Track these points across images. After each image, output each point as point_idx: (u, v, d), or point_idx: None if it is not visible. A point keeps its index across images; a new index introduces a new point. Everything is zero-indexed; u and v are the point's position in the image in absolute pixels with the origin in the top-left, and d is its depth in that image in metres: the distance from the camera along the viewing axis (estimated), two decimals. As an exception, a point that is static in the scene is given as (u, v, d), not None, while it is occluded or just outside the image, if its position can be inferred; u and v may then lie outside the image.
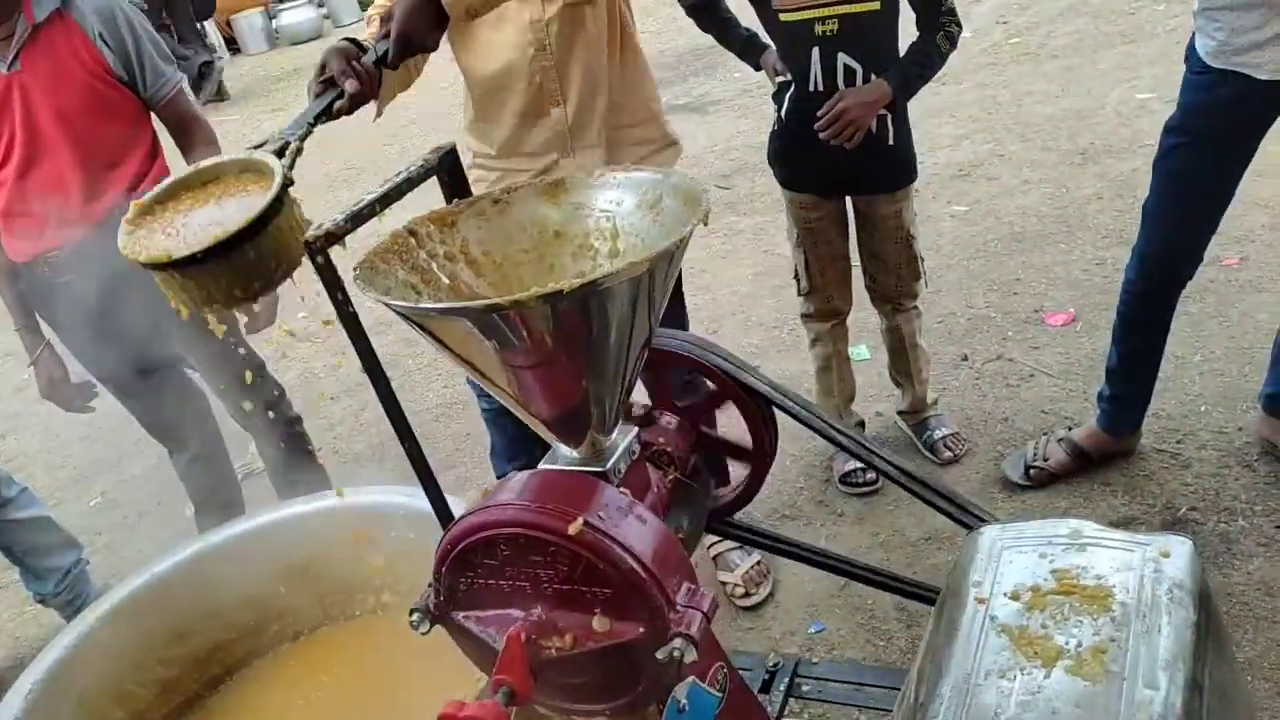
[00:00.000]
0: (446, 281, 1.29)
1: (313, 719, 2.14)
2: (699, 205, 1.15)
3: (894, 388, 3.02)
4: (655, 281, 1.13)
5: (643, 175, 1.28)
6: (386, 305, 1.10)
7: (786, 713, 2.08)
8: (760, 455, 1.53)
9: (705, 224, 1.11)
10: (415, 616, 1.25)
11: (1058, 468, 2.67)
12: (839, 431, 1.48)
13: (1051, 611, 1.20)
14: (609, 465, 1.24)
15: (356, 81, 1.51)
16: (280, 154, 1.36)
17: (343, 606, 2.44)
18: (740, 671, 1.72)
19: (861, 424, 3.03)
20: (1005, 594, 1.25)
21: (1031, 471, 2.67)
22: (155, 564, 2.22)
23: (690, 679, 1.19)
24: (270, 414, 2.67)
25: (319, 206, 1.31)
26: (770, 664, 1.71)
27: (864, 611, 2.42)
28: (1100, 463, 2.68)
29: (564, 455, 1.28)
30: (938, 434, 2.88)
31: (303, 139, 1.41)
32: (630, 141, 2.20)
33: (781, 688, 1.67)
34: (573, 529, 1.11)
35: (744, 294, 4.15)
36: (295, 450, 2.79)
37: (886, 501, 2.76)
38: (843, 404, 2.97)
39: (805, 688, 1.70)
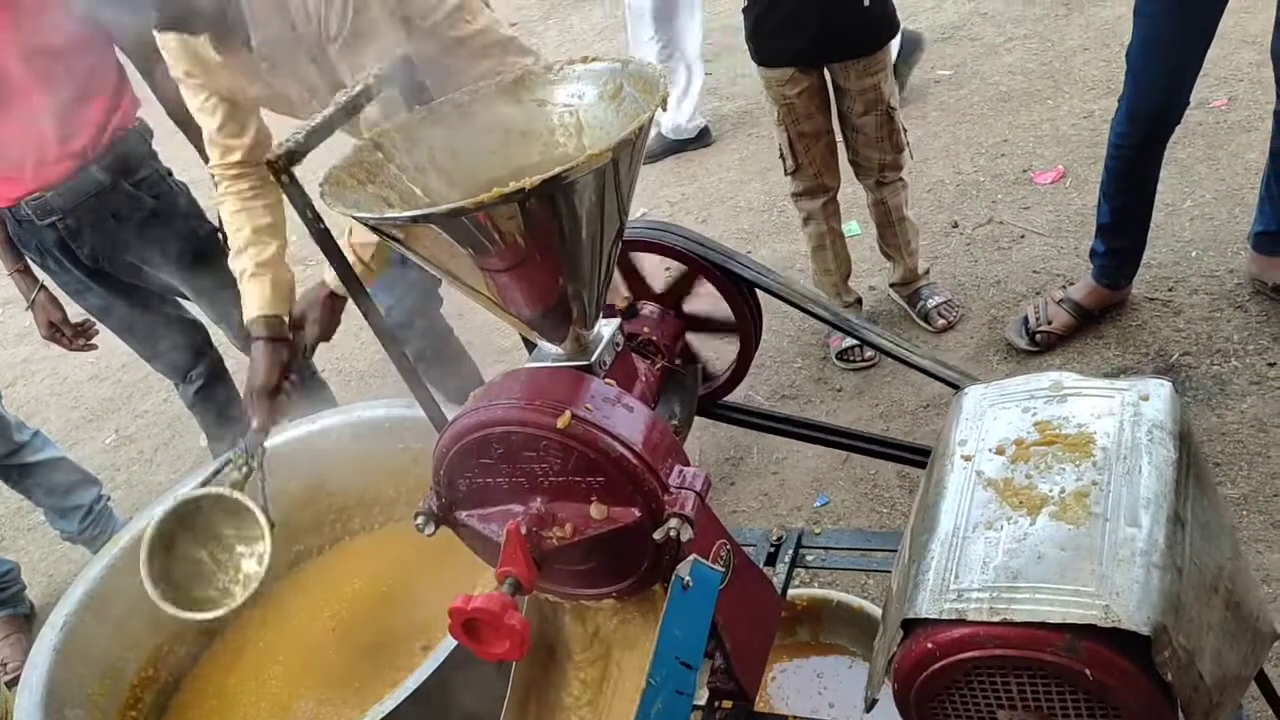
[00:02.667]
0: (419, 193, 1.29)
1: (338, 630, 2.22)
2: (657, 90, 1.14)
3: (886, 261, 3.02)
4: (620, 170, 1.12)
5: (601, 66, 1.26)
6: (355, 218, 1.10)
7: (798, 582, 2.16)
8: (746, 336, 1.54)
9: (664, 108, 1.11)
10: (420, 520, 1.29)
11: (1062, 329, 2.68)
12: (822, 307, 1.50)
13: (1035, 462, 1.23)
14: (594, 358, 1.26)
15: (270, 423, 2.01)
16: (242, 482, 1.94)
17: (361, 520, 2.51)
18: (746, 547, 1.78)
19: (859, 300, 3.04)
20: (990, 449, 1.28)
21: (1038, 336, 2.69)
22: (169, 495, 2.27)
23: (692, 557, 1.23)
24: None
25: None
26: (774, 538, 1.76)
27: (866, 482, 2.47)
28: (1100, 317, 2.69)
29: (549, 352, 1.29)
30: (931, 303, 2.90)
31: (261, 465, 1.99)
32: None
33: (786, 559, 1.72)
34: (561, 422, 1.14)
35: (732, 180, 4.11)
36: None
37: (883, 374, 2.79)
38: (840, 281, 2.97)
39: (810, 558, 1.75)
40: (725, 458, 2.72)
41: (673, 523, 1.14)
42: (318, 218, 1.16)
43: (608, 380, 1.25)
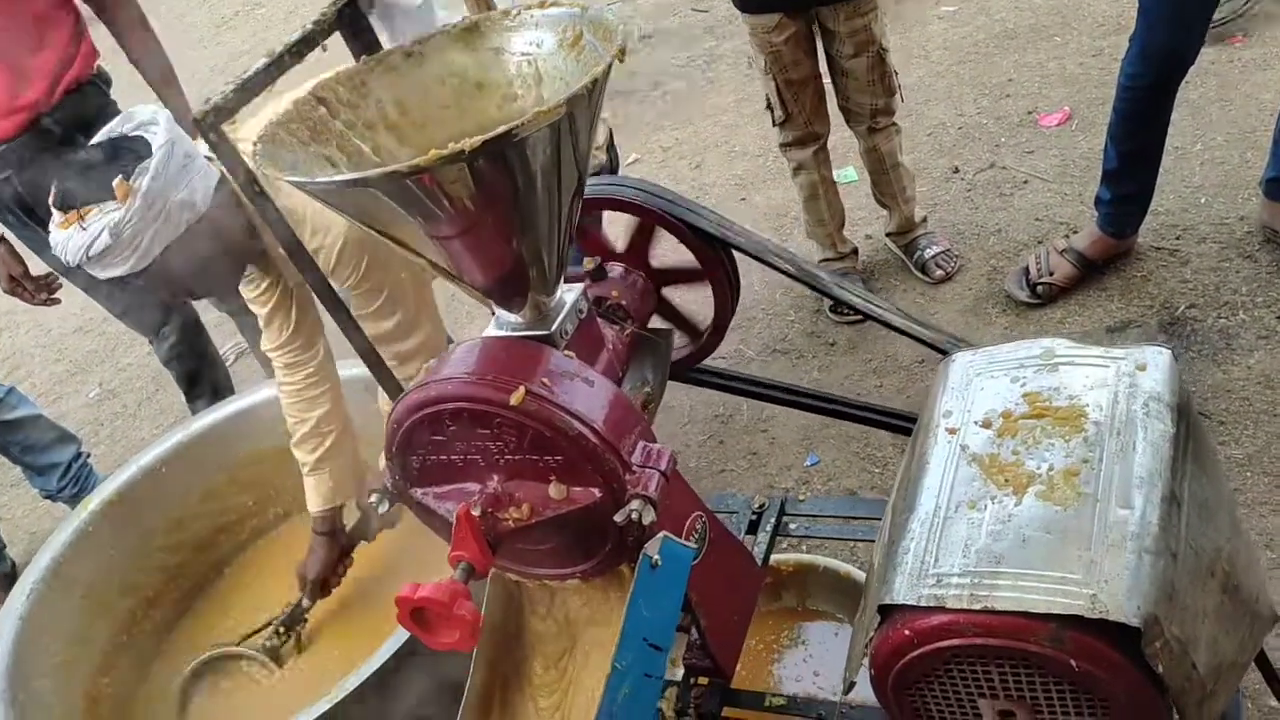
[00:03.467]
0: (368, 151, 1.20)
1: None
2: (616, 39, 1.05)
3: (883, 210, 2.92)
4: (577, 125, 1.04)
5: (559, 12, 1.17)
6: (288, 183, 1.02)
7: (785, 545, 2.10)
8: (718, 283, 1.46)
9: (622, 60, 1.02)
10: (374, 497, 1.23)
11: (1064, 280, 2.58)
12: (789, 263, 1.42)
13: (1023, 437, 1.16)
14: (554, 328, 1.19)
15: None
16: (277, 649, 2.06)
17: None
18: (727, 515, 1.72)
19: (855, 251, 2.95)
20: (976, 422, 1.21)
21: (1039, 288, 2.59)
22: (142, 455, 2.22)
23: (662, 534, 1.16)
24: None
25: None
26: (756, 506, 1.70)
27: (858, 441, 2.40)
28: (1104, 267, 2.60)
29: (507, 320, 1.22)
30: (928, 253, 2.80)
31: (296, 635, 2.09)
32: None
33: (768, 528, 1.65)
34: (514, 399, 1.07)
35: (727, 124, 3.99)
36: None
37: (877, 329, 2.68)
38: (835, 231, 2.88)
39: (793, 526, 1.69)
40: (714, 415, 2.65)
41: (634, 504, 1.08)
42: (253, 180, 1.08)
43: (567, 352, 1.17)
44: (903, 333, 1.45)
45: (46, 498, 2.92)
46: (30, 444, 2.79)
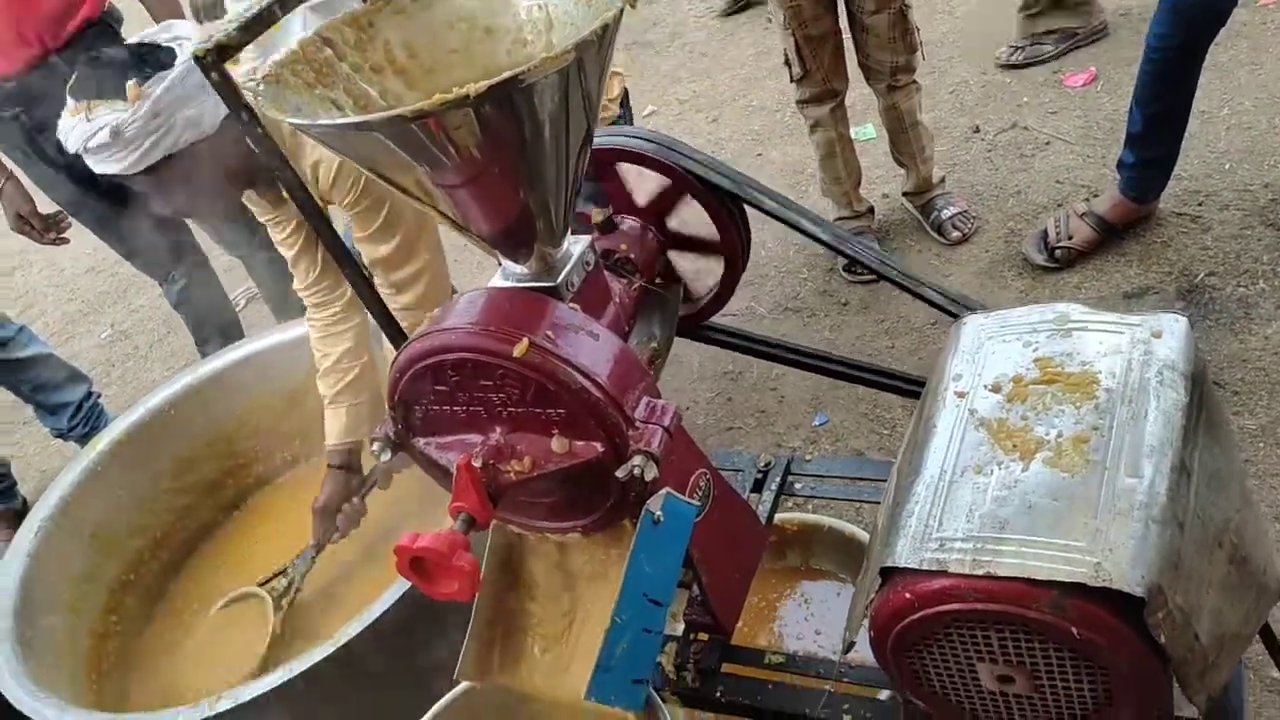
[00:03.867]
0: (375, 95, 1.18)
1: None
2: (629, -17, 1.02)
3: (900, 169, 2.88)
4: (587, 71, 1.01)
5: (571, -46, 1.14)
6: (291, 125, 1.00)
7: (790, 505, 2.10)
8: (732, 252, 1.44)
9: (633, 6, 0.99)
10: (376, 445, 1.22)
11: (1083, 244, 2.54)
12: (812, 222, 1.39)
13: (1033, 402, 1.14)
14: (560, 279, 1.17)
15: (331, 538, 2.03)
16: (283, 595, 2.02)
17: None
18: (732, 473, 1.71)
19: (871, 210, 2.91)
20: (986, 386, 1.19)
21: (1057, 252, 2.55)
22: (151, 397, 2.23)
23: (665, 490, 1.15)
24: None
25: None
26: (761, 464, 1.69)
27: (867, 401, 2.39)
28: (1123, 232, 2.56)
29: (513, 272, 1.20)
30: (945, 214, 2.76)
31: (304, 576, 2.05)
32: None
33: (773, 487, 1.64)
34: (518, 350, 1.05)
35: (745, 77, 3.93)
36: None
37: (891, 289, 2.66)
38: (851, 190, 2.84)
39: (798, 486, 1.68)
40: (723, 372, 2.63)
41: (636, 460, 1.07)
42: (254, 119, 1.06)
43: (573, 304, 1.16)
44: (915, 294, 1.43)
45: (57, 436, 2.93)
46: (41, 383, 2.80)
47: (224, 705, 1.52)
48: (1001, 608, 1.01)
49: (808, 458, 1.73)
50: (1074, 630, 0.98)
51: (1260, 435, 2.03)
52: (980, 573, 1.01)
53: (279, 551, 2.16)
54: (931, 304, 1.41)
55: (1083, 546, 0.98)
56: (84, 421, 2.86)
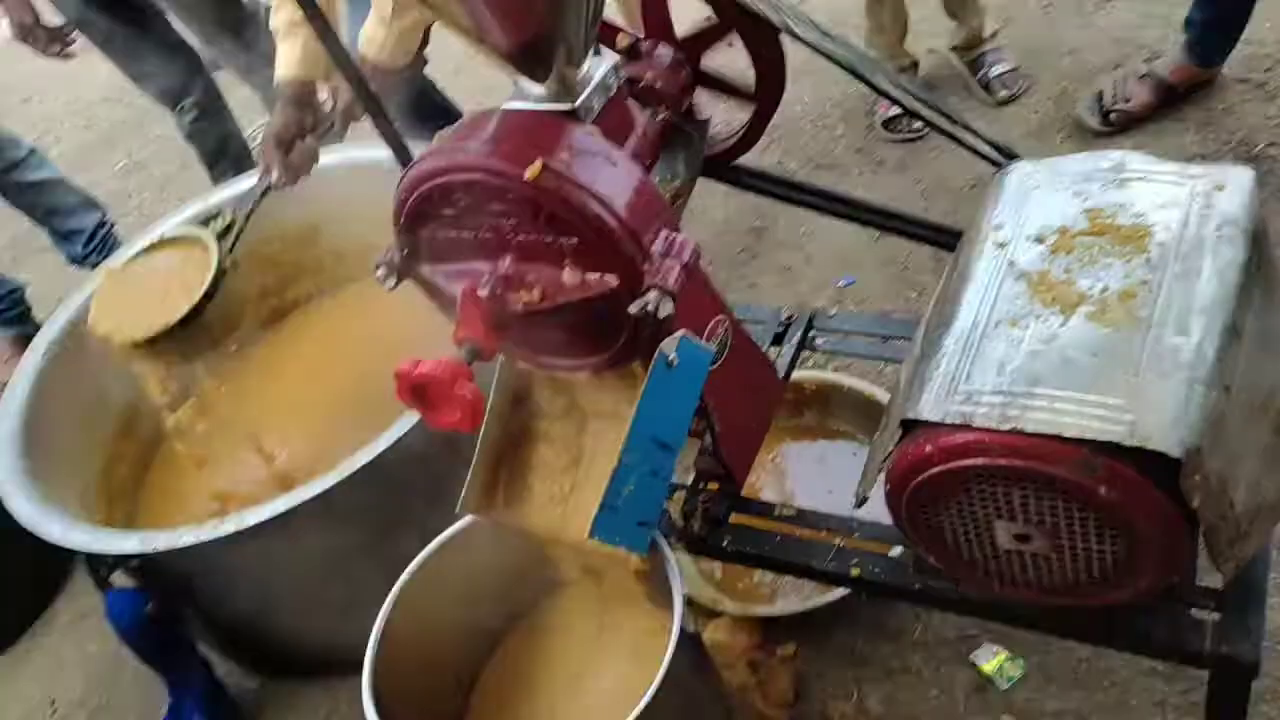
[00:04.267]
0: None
1: (347, 369, 2.16)
2: None
3: (950, 20, 2.71)
4: None
5: None
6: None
7: (810, 364, 2.05)
8: (764, 92, 1.34)
9: None
10: (380, 271, 1.16)
11: (1141, 109, 2.40)
12: (859, 59, 1.29)
13: (1079, 254, 1.07)
14: (579, 103, 1.09)
15: (284, 175, 1.81)
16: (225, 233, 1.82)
17: (365, 265, 2.40)
18: (753, 324, 1.65)
19: (915, 64, 2.76)
20: (1029, 237, 1.12)
21: (1112, 116, 2.41)
22: (160, 224, 2.17)
23: (681, 332, 1.10)
24: (269, 68, 2.50)
25: None
26: (784, 317, 1.63)
27: (897, 263, 2.31)
28: (1183, 97, 2.41)
29: (529, 92, 1.11)
30: (994, 71, 2.62)
31: (247, 218, 1.83)
32: None
33: (794, 341, 1.59)
34: (530, 173, 0.99)
35: (791, -83, 3.70)
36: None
37: (930, 147, 2.55)
38: (895, 41, 2.69)
39: (820, 340, 1.62)
40: (749, 227, 2.54)
41: (651, 295, 1.01)
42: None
43: (591, 128, 1.08)
44: (958, 141, 1.33)
45: (72, 263, 2.91)
46: (53, 207, 2.76)
47: (228, 528, 1.52)
48: (1027, 464, 0.96)
49: (832, 313, 1.67)
50: (1101, 490, 0.94)
51: (1306, 315, 1.95)
52: (1007, 428, 0.95)
53: (284, 388, 2.15)
54: (975, 152, 1.32)
55: (1119, 404, 0.93)
56: (98, 249, 2.83)
